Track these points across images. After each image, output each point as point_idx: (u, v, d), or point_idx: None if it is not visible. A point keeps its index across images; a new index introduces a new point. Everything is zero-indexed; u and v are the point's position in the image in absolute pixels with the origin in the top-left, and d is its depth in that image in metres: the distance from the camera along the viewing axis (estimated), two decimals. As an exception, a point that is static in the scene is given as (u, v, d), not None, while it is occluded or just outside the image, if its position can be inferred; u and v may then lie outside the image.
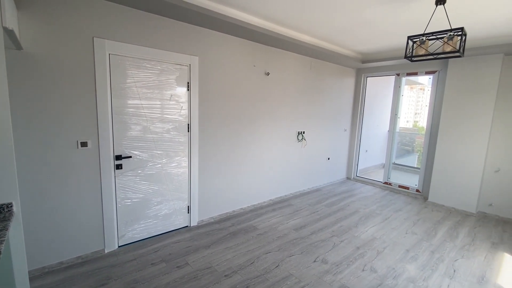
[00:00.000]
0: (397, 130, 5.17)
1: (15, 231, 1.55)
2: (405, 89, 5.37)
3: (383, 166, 5.43)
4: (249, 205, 3.82)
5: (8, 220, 1.40)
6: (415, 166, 6.40)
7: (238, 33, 3.09)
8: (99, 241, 2.51)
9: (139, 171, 2.67)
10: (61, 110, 2.17)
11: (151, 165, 2.74)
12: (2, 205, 1.46)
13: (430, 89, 4.52)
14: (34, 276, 2.17)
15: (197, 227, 3.17)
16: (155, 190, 2.81)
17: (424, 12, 2.50)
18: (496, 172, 3.86)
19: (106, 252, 2.55)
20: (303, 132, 4.47)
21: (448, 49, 2.08)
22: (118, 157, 2.52)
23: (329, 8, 2.55)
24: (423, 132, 4.65)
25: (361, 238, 3.06)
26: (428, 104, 4.50)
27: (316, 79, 4.51)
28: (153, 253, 2.59)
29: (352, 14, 2.67)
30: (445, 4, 2.20)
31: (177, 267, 2.39)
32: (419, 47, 2.25)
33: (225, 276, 2.29)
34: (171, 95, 2.79)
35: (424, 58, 2.29)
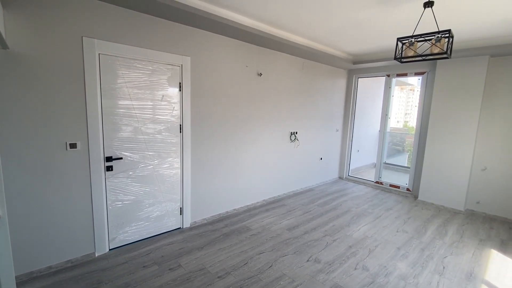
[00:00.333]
0: (388, 130, 5.26)
1: (1, 234, 1.50)
2: (396, 90, 5.47)
3: (375, 165, 5.51)
4: (242, 205, 3.81)
5: (-6, 224, 1.36)
6: (406, 165, 6.52)
7: (230, 33, 3.08)
8: (89, 244, 2.46)
9: (130, 173, 2.64)
10: (49, 111, 2.12)
11: (142, 167, 2.71)
12: (-13, 208, 1.41)
13: (419, 89, 4.61)
14: (21, 281, 2.11)
15: (190, 228, 3.15)
16: (146, 192, 2.78)
17: (413, 14, 2.56)
18: (483, 171, 3.96)
19: (96, 255, 2.50)
20: (296, 133, 4.50)
21: (436, 50, 2.13)
22: (109, 159, 2.48)
23: (321, 10, 2.58)
24: (413, 132, 4.74)
25: (353, 237, 3.09)
26: (417, 105, 4.59)
27: (309, 80, 4.55)
28: (145, 255, 2.56)
29: (344, 15, 2.70)
30: (433, 7, 2.26)
31: (169, 269, 2.36)
32: (408, 48, 2.30)
33: (218, 277, 2.28)
34: (163, 96, 2.76)
35: (413, 59, 2.34)
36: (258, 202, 4.04)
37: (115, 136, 2.50)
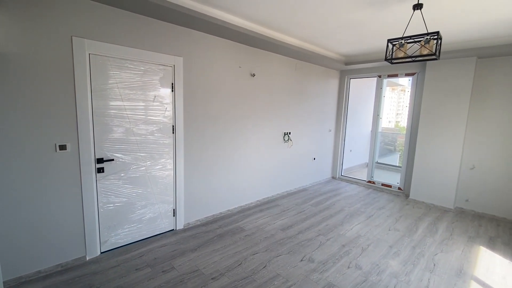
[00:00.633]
0: (380, 130, 5.33)
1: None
2: (387, 91, 5.55)
3: (367, 165, 5.58)
4: (236, 206, 3.81)
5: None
6: (397, 164, 6.61)
7: (223, 34, 3.08)
8: (80, 247, 2.42)
9: (122, 174, 2.60)
10: (38, 113, 2.07)
11: (134, 168, 2.68)
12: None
13: (410, 90, 4.69)
14: (9, 287, 2.06)
15: (183, 230, 3.13)
16: (139, 194, 2.75)
17: (403, 16, 2.60)
18: (472, 169, 4.06)
19: (87, 259, 2.46)
20: (289, 133, 4.52)
21: (425, 52, 2.17)
22: (100, 160, 2.44)
23: (313, 11, 2.60)
24: (404, 132, 4.82)
25: (346, 236, 3.12)
26: (408, 105, 4.67)
27: (301, 81, 4.57)
28: (138, 258, 2.53)
29: (335, 17, 2.73)
30: (421, 9, 2.30)
31: (162, 271, 2.34)
32: (398, 50, 2.33)
33: (212, 278, 2.26)
34: (155, 96, 2.73)
35: (403, 60, 2.38)
36: (252, 203, 4.04)
37: (106, 137, 2.46)
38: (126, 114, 2.55)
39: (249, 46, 3.57)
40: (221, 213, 3.60)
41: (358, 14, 2.62)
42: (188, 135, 3.07)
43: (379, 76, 4.99)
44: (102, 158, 2.46)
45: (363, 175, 5.74)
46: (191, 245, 2.80)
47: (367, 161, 5.44)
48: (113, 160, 2.52)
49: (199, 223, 3.32)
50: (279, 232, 3.17)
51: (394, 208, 4.13)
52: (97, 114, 2.38)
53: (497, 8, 2.37)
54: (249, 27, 2.99)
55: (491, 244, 3.08)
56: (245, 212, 3.74)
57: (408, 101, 4.66)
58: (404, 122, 4.84)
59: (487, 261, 2.71)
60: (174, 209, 3.06)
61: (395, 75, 4.80)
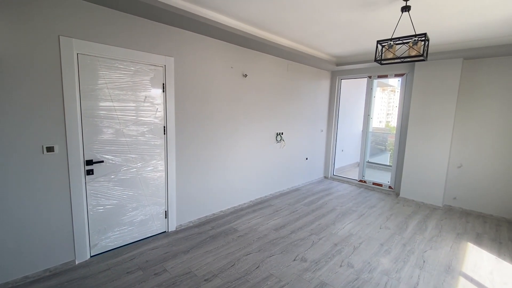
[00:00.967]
0: (370, 130, 5.41)
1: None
2: (377, 91, 5.64)
3: (358, 164, 5.65)
4: (229, 207, 3.79)
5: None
6: (388, 164, 6.72)
7: (215, 34, 3.07)
8: (69, 251, 2.36)
9: (112, 176, 2.56)
10: (24, 113, 2.02)
11: (125, 170, 2.64)
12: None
13: (399, 91, 4.78)
14: (-6, 294, 2.00)
15: (176, 232, 3.10)
16: (130, 196, 2.71)
17: (391, 18, 2.65)
18: (459, 168, 4.16)
19: (77, 263, 2.41)
20: (282, 133, 4.53)
21: (413, 53, 2.22)
22: (89, 162, 2.40)
23: (303, 12, 2.62)
24: (394, 132, 4.90)
25: (338, 235, 3.15)
26: (398, 105, 4.75)
27: (293, 81, 4.60)
28: (129, 261, 2.49)
29: (326, 18, 2.76)
30: (409, 12, 2.35)
31: (154, 274, 2.31)
32: (387, 51, 2.38)
33: (205, 280, 2.25)
34: (146, 97, 2.70)
35: (392, 61, 2.42)
36: (245, 203, 4.03)
37: (96, 139, 2.42)
38: (116, 115, 2.51)
39: (241, 46, 3.57)
40: (214, 214, 3.58)
41: (348, 15, 2.65)
42: (180, 136, 3.05)
43: (370, 77, 5.07)
44: (92, 160, 2.41)
45: (354, 175, 5.82)
46: (183, 247, 2.77)
47: (359, 161, 5.50)
48: (102, 161, 2.48)
49: (191, 224, 3.30)
50: (272, 232, 3.18)
51: (385, 206, 4.19)
52: (86, 115, 2.34)
53: (482, 11, 2.44)
54: (240, 28, 2.99)
55: (478, 240, 3.17)
56: (238, 212, 3.73)
57: (398, 102, 4.75)
58: (394, 122, 4.93)
59: (475, 257, 2.78)
60: (166, 211, 3.03)
61: (385, 76, 4.88)
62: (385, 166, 6.61)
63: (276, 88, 4.28)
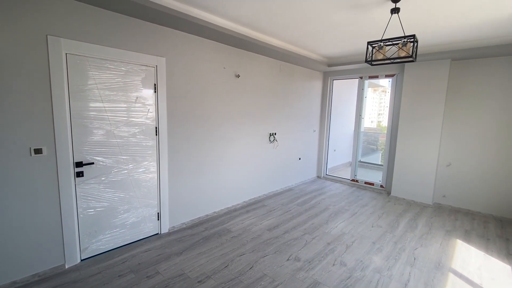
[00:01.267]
0: (362, 130, 5.47)
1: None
2: (369, 92, 5.72)
3: (350, 164, 5.71)
4: (222, 208, 3.78)
5: None
6: (379, 163, 6.82)
7: (207, 35, 3.06)
8: (59, 255, 2.32)
9: (103, 178, 2.52)
10: (10, 115, 1.97)
11: (116, 171, 2.60)
12: None
13: (390, 91, 4.85)
14: (-20, 301, 1.94)
15: (168, 234, 3.07)
16: (121, 198, 2.67)
17: (382, 19, 2.69)
18: (448, 167, 4.25)
19: (67, 267, 2.36)
20: (275, 134, 4.55)
21: (403, 54, 2.26)
22: (79, 164, 2.35)
23: (295, 13, 2.64)
24: (386, 132, 4.97)
25: (331, 234, 3.18)
26: (388, 105, 4.83)
27: (286, 82, 4.62)
28: (121, 264, 2.45)
29: (317, 19, 2.78)
30: (399, 13, 2.39)
31: (147, 277, 2.28)
32: (377, 52, 2.41)
33: (198, 282, 2.24)
34: (137, 97, 2.67)
35: (383, 62, 2.46)
36: (238, 204, 4.02)
37: (86, 140, 2.38)
38: (107, 115, 2.48)
39: (234, 47, 3.57)
40: (207, 215, 3.56)
41: (339, 16, 2.68)
42: (172, 136, 3.02)
43: (361, 78, 5.13)
44: (82, 162, 2.37)
45: (347, 174, 5.87)
46: (176, 248, 2.75)
47: (351, 160, 5.56)
48: (93, 163, 2.44)
49: (184, 226, 3.27)
50: (266, 232, 3.18)
51: (376, 205, 4.25)
52: (76, 116, 2.29)
53: (468, 14, 2.51)
54: (233, 28, 2.99)
55: (467, 236, 3.24)
56: (231, 213, 3.72)
57: (389, 102, 4.82)
58: (385, 122, 5.00)
59: (463, 253, 2.85)
60: (158, 213, 3.00)
61: (376, 77, 4.95)
62: (377, 166, 6.70)
63: (269, 88, 4.29)
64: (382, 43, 2.35)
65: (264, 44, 3.45)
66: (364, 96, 5.26)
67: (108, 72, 2.44)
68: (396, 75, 4.64)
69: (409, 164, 4.47)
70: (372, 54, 2.44)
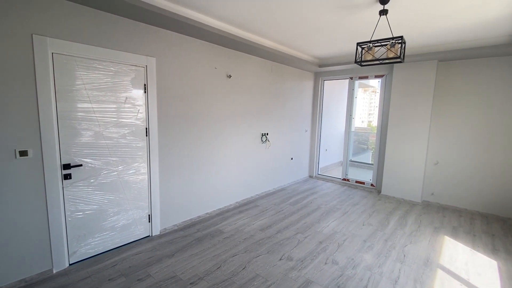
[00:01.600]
0: (353, 129, 5.55)
1: None
2: (359, 92, 5.80)
3: (342, 163, 5.77)
4: (215, 209, 3.76)
5: None
6: (370, 162, 6.92)
7: (198, 35, 3.04)
8: (46, 260, 2.25)
9: (92, 180, 2.47)
10: (-6, 116, 1.91)
11: (105, 173, 2.55)
12: None
13: (379, 91, 4.94)
14: (-38, 309, 1.87)
15: (160, 236, 3.03)
16: (111, 200, 2.62)
17: (370, 21, 2.74)
18: (436, 165, 4.36)
19: (54, 272, 2.30)
20: (267, 134, 4.56)
21: (391, 55, 2.31)
22: (66, 166, 2.30)
23: (286, 13, 2.65)
24: (376, 131, 5.05)
25: (323, 233, 3.21)
26: (378, 105, 4.91)
27: (277, 82, 4.64)
28: (111, 267, 2.41)
29: (309, 19, 2.80)
30: (387, 15, 2.44)
31: (137, 280, 2.25)
32: (367, 53, 2.45)
33: (190, 284, 2.22)
34: (126, 98, 2.63)
35: (372, 63, 2.50)
36: (231, 205, 4.01)
37: (73, 142, 2.33)
38: (95, 116, 2.43)
39: (225, 47, 3.56)
40: (199, 216, 3.54)
41: (330, 17, 2.71)
42: (162, 137, 2.99)
43: (351, 78, 5.20)
44: (69, 164, 2.31)
45: (338, 173, 5.94)
46: (168, 251, 2.72)
47: (342, 160, 5.63)
48: (81, 165, 2.39)
49: (176, 228, 3.24)
50: (258, 232, 3.19)
51: (367, 204, 4.31)
52: (63, 117, 2.24)
53: (454, 16, 2.58)
54: (224, 29, 2.98)
55: (454, 233, 3.33)
56: (224, 214, 3.71)
57: (378, 102, 4.90)
58: (375, 121, 5.08)
59: (451, 249, 2.92)
60: (149, 215, 2.96)
61: (366, 77, 5.02)
62: (367, 165, 6.80)
63: (261, 89, 4.30)
64: (371, 44, 2.39)
65: (255, 44, 3.45)
66: (355, 96, 5.34)
67: (97, 72, 2.40)
68: (385, 76, 4.73)
69: (398, 163, 4.55)
70: (361, 55, 2.48)
